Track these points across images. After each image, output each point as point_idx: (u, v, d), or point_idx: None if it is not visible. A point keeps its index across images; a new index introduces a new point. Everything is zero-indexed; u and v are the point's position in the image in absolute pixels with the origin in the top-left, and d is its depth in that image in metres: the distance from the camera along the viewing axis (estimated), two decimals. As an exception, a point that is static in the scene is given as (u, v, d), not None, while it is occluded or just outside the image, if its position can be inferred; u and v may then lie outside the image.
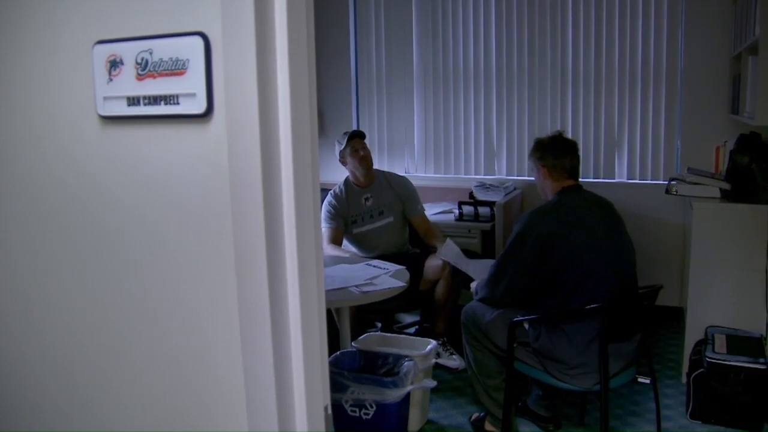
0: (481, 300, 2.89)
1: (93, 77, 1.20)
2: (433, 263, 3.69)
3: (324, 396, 1.19)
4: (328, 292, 2.58)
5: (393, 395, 2.76)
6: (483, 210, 4.26)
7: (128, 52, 1.15)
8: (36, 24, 1.26)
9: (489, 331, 2.81)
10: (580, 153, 2.92)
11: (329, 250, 3.72)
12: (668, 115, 4.37)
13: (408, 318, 4.45)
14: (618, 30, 4.41)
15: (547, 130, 4.21)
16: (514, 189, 4.62)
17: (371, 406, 2.78)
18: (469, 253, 3.66)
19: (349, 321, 3.17)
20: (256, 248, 1.08)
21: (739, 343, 3.11)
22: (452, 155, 4.97)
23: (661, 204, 4.27)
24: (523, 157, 4.72)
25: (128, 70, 1.16)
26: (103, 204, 1.25)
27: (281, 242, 1.10)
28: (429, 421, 3.12)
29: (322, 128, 5.00)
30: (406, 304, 3.81)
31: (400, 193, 3.96)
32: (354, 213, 3.90)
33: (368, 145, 3.95)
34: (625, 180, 4.52)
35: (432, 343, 3.06)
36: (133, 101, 1.16)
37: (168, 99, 1.13)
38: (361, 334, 3.29)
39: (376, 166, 4.05)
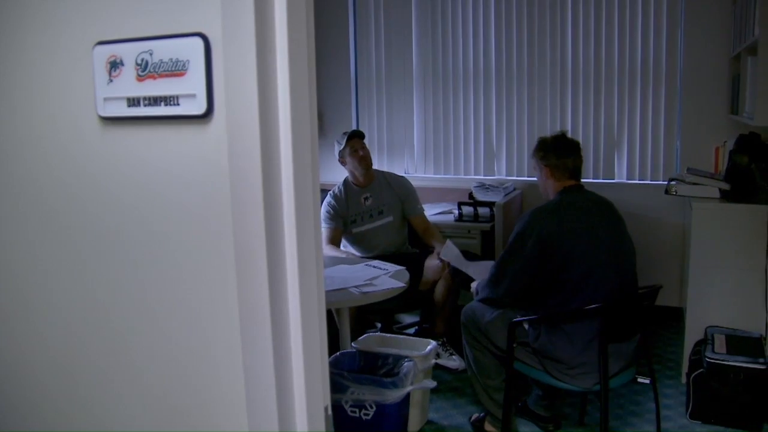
0: (482, 300, 2.89)
1: (93, 78, 1.20)
2: (432, 263, 3.69)
3: (324, 396, 1.19)
4: (327, 292, 2.58)
5: (393, 396, 2.76)
6: (482, 210, 4.26)
7: (128, 53, 1.15)
8: (36, 24, 1.26)
9: (489, 331, 2.81)
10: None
11: (327, 250, 3.72)
12: (668, 115, 4.37)
13: (408, 318, 4.45)
14: (618, 30, 4.41)
15: (546, 131, 4.23)
16: (514, 189, 4.62)
17: (371, 407, 2.78)
18: (468, 255, 3.64)
19: (349, 321, 3.17)
20: (256, 248, 1.08)
21: (738, 343, 3.11)
22: (452, 155, 4.97)
23: (661, 204, 4.27)
24: (523, 157, 4.72)
25: (128, 71, 1.16)
26: (104, 204, 1.25)
27: (281, 242, 1.10)
28: (429, 422, 3.12)
29: (322, 128, 5.00)
30: (405, 305, 3.81)
31: (400, 193, 3.96)
32: (353, 213, 3.90)
33: (368, 145, 3.96)
34: (624, 180, 4.52)
35: (432, 344, 3.06)
36: (133, 102, 1.17)
37: (168, 100, 1.13)
38: (361, 335, 3.29)
39: (375, 167, 4.06)
